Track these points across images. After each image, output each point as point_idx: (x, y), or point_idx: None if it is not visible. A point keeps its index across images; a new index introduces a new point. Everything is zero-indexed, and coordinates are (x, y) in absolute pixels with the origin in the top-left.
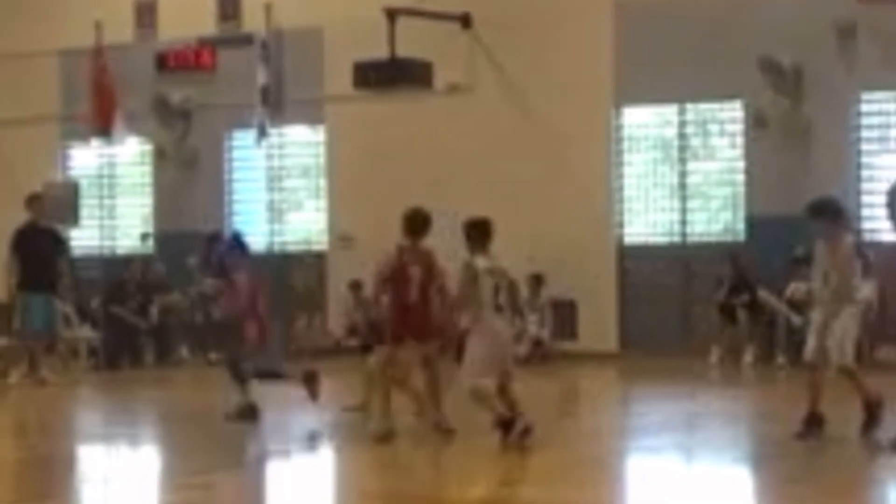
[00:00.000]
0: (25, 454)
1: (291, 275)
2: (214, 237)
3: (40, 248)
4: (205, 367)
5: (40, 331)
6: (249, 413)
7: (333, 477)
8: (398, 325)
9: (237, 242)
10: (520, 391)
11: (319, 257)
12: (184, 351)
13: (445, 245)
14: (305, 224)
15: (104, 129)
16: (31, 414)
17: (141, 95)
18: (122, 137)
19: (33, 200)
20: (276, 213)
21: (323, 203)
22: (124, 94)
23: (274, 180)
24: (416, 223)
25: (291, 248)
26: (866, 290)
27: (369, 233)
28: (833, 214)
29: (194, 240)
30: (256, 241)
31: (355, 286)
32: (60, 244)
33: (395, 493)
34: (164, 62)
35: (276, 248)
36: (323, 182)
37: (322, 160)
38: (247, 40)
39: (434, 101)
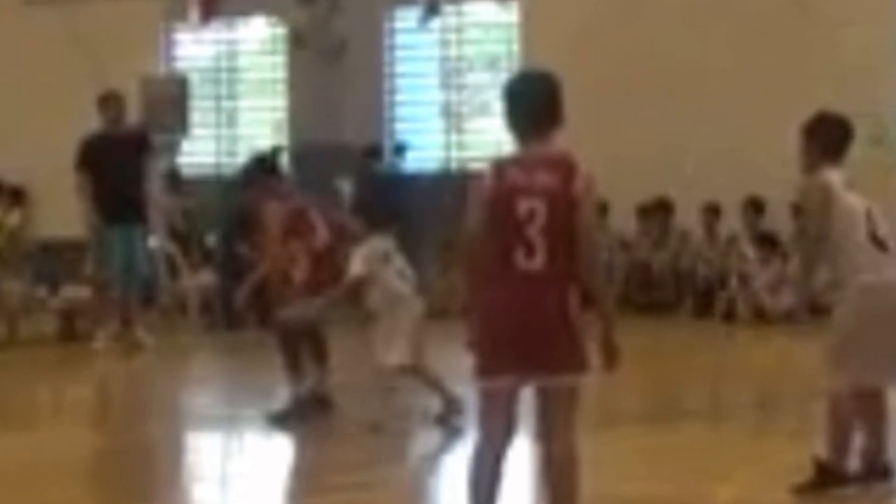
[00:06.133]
0: (114, 443)
1: None
2: (372, 152)
3: (117, 163)
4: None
5: (120, 277)
6: None
7: None
8: None
9: None
10: (779, 358)
11: None
12: None
13: None
14: (494, 134)
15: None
16: (123, 389)
17: None
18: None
19: (107, 101)
20: (453, 119)
21: None
22: None
23: (451, 75)
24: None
25: (475, 165)
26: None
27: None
28: None
29: (345, 156)
30: (428, 155)
31: None
32: (148, 155)
33: None
34: None
35: (454, 165)
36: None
37: (516, 48)
38: None
39: None
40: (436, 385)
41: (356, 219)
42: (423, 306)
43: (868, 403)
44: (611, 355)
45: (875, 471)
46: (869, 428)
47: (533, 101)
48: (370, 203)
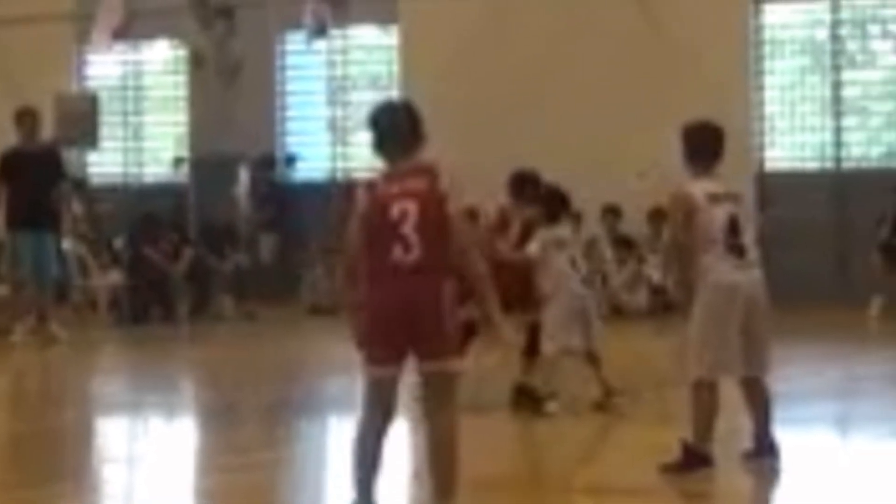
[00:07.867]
0: (31, 427)
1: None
2: (265, 162)
3: (31, 175)
4: (249, 323)
5: (32, 278)
6: None
7: None
8: None
9: None
10: (636, 351)
11: None
12: (226, 302)
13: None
14: None
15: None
16: (39, 379)
17: None
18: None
19: (23, 117)
20: (339, 133)
21: None
22: None
23: (336, 93)
24: None
25: (359, 175)
26: None
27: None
28: None
29: (239, 166)
30: (316, 166)
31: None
32: (59, 169)
33: None
34: None
35: (340, 175)
36: (396, 95)
37: (395, 68)
38: None
39: None
40: None
41: None
42: None
43: (749, 390)
44: (501, 331)
45: (762, 448)
46: (751, 411)
47: (398, 130)
48: None
